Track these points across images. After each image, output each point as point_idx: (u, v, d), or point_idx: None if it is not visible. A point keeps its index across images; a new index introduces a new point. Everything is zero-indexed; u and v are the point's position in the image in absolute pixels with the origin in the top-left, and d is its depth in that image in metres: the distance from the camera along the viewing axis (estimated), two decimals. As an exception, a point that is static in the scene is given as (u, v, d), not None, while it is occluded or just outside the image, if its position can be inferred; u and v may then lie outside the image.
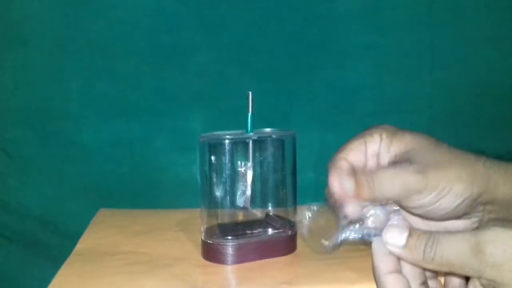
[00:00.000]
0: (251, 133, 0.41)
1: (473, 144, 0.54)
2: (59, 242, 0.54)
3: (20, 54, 0.52)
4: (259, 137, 0.41)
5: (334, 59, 0.53)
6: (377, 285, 0.31)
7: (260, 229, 0.41)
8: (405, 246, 0.29)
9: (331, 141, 0.56)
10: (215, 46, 0.52)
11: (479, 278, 0.28)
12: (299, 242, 0.42)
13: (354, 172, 0.33)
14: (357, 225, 0.32)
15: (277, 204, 0.43)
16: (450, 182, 0.31)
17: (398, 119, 0.56)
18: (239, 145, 0.41)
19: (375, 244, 0.30)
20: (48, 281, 0.36)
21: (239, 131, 0.42)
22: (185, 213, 0.50)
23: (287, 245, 0.41)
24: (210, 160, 0.40)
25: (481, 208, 0.33)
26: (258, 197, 0.42)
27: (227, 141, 0.39)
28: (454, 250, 0.28)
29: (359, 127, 0.60)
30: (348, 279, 0.36)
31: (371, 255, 0.31)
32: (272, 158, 0.42)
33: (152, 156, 0.54)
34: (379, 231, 0.31)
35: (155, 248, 0.42)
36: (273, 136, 0.42)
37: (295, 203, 0.43)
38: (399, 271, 0.30)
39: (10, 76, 0.52)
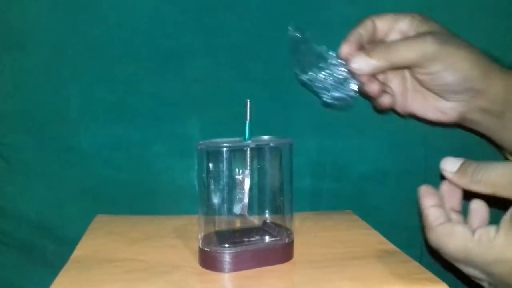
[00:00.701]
0: (249, 141, 0.41)
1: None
2: (56, 247, 0.53)
3: (18, 59, 0.51)
4: (256, 145, 0.41)
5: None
6: (421, 217, 0.39)
7: (257, 237, 0.41)
8: (457, 171, 0.37)
9: (328, 148, 0.56)
10: (214, 52, 0.53)
11: None
12: (296, 250, 0.42)
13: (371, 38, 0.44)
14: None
15: (274, 211, 0.43)
16: (458, 59, 0.41)
17: (395, 125, 0.56)
18: (237, 152, 0.41)
19: (423, 187, 0.39)
20: (44, 287, 0.36)
21: (237, 139, 0.42)
22: (182, 219, 0.50)
23: (284, 253, 0.41)
24: (208, 167, 0.40)
25: (472, 93, 0.42)
26: (255, 205, 0.43)
27: (225, 149, 0.39)
28: (499, 172, 0.35)
29: (356, 134, 0.60)
30: (345, 287, 0.36)
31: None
32: (270, 166, 0.42)
33: (150, 161, 0.54)
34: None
35: (152, 255, 0.42)
36: (271, 144, 0.42)
37: (291, 210, 0.43)
38: (437, 205, 0.38)
39: (8, 81, 0.52)
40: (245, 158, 0.41)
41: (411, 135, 0.56)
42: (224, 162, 0.39)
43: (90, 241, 0.45)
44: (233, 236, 0.41)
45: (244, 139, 0.42)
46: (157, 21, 0.52)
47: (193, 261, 0.41)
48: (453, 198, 0.40)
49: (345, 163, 0.56)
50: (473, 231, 0.37)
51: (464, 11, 0.54)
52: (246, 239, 0.41)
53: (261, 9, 0.53)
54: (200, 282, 0.38)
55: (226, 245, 0.39)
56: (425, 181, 0.57)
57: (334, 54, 0.44)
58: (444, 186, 0.41)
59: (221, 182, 0.40)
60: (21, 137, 0.53)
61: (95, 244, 0.44)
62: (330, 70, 0.43)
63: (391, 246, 0.44)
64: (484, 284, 0.39)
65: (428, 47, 0.41)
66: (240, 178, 0.41)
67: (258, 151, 0.42)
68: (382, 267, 0.40)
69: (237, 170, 0.41)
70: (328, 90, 0.44)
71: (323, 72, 0.43)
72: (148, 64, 0.52)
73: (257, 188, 0.42)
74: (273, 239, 0.41)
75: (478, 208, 0.39)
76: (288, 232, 0.42)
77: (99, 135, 0.53)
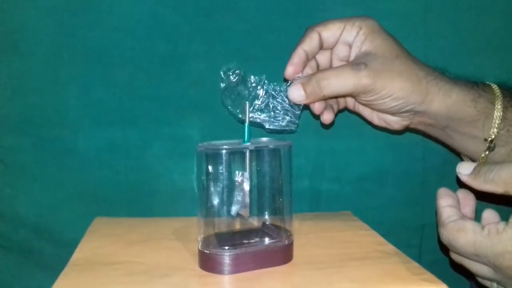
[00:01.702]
0: (248, 143, 0.41)
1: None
2: (54, 250, 0.53)
3: (16, 61, 0.51)
4: (256, 147, 0.41)
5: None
6: (437, 216, 0.41)
7: (257, 239, 0.41)
8: (471, 173, 0.39)
9: (327, 149, 0.56)
10: (212, 54, 0.53)
11: None
12: (296, 251, 0.42)
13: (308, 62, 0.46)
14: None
15: (274, 213, 0.43)
16: (393, 90, 0.43)
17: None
18: (236, 154, 0.41)
19: (441, 189, 0.41)
20: (43, 290, 0.36)
21: (236, 141, 0.42)
22: (181, 221, 0.50)
23: (283, 254, 0.41)
24: (207, 169, 0.40)
25: (413, 113, 0.45)
26: (255, 206, 0.43)
27: (224, 151, 0.39)
28: (510, 171, 0.37)
29: (354, 135, 0.61)
30: (345, 288, 0.36)
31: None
32: (269, 168, 0.42)
33: (148, 163, 0.54)
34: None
35: (152, 257, 0.42)
36: (270, 146, 0.42)
37: (291, 211, 0.43)
38: (452, 206, 0.40)
39: (6, 83, 0.52)
40: (244, 160, 0.41)
41: (409, 136, 0.56)
42: (224, 164, 0.39)
43: (89, 243, 0.45)
44: (232, 238, 0.41)
45: (243, 141, 0.42)
46: (155, 23, 0.52)
47: (193, 263, 0.41)
48: (467, 206, 0.42)
49: (343, 164, 0.56)
50: (482, 227, 0.38)
51: (461, 12, 0.54)
52: (246, 241, 0.41)
53: (258, 11, 0.53)
54: (200, 284, 0.38)
55: (226, 247, 0.39)
56: (423, 182, 0.57)
57: (272, 85, 0.46)
58: (459, 194, 0.42)
59: (220, 184, 0.40)
60: (19, 140, 0.52)
61: (94, 246, 0.44)
62: (273, 98, 0.45)
63: (390, 247, 0.44)
64: (493, 286, 0.40)
65: (360, 81, 0.42)
66: (239, 180, 0.41)
67: (257, 153, 0.42)
68: (381, 267, 0.40)
69: (236, 172, 0.41)
70: (276, 117, 0.45)
71: (270, 103, 0.45)
72: (146, 67, 0.52)
73: (257, 190, 0.42)
74: (272, 240, 0.41)
75: (490, 216, 0.40)
76: (288, 233, 0.42)
77: (97, 138, 0.53)
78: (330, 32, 0.45)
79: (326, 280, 0.38)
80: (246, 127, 0.42)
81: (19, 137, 0.52)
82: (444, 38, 0.54)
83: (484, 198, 0.42)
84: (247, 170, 0.41)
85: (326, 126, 0.50)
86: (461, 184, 0.41)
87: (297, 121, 0.46)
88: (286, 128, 0.46)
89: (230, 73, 0.44)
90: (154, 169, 0.54)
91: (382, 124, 0.49)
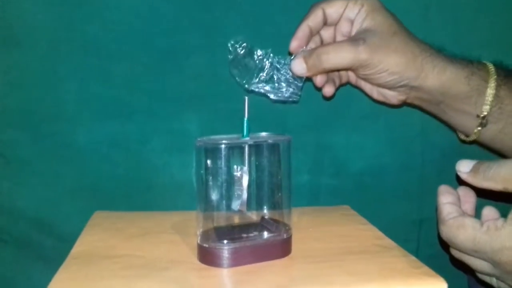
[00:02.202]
0: (247, 138, 0.41)
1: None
2: (54, 244, 0.54)
3: (14, 56, 0.51)
4: (255, 142, 0.41)
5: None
6: (437, 212, 0.41)
7: (255, 232, 0.41)
8: (470, 171, 0.40)
9: (326, 143, 0.56)
10: (211, 49, 0.53)
11: None
12: (294, 245, 0.42)
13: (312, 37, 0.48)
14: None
15: (273, 207, 0.43)
16: (388, 65, 0.45)
17: (392, 121, 0.56)
18: (235, 149, 0.41)
19: (442, 186, 0.42)
20: (43, 283, 0.36)
21: (235, 135, 0.42)
22: (180, 215, 0.50)
23: (282, 248, 0.41)
24: (206, 164, 0.40)
25: (409, 88, 0.47)
26: (254, 201, 0.43)
27: (223, 146, 0.39)
28: (508, 168, 0.38)
29: (354, 129, 0.61)
30: (343, 282, 0.37)
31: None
32: (268, 162, 0.42)
33: (148, 157, 0.54)
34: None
35: (151, 251, 0.42)
36: (269, 141, 0.42)
37: (290, 206, 0.43)
38: (452, 203, 0.40)
39: (4, 78, 0.52)
40: (243, 155, 0.41)
41: (408, 131, 0.56)
42: (222, 159, 0.39)
43: (89, 237, 0.45)
44: (231, 232, 0.41)
45: (242, 135, 0.42)
46: (154, 17, 0.52)
47: (192, 256, 0.41)
48: (467, 203, 0.43)
49: (342, 159, 0.56)
50: (481, 224, 0.39)
51: (461, 7, 0.54)
52: (245, 235, 0.41)
53: (258, 5, 0.52)
54: (199, 277, 0.38)
55: (225, 241, 0.39)
56: (422, 176, 0.58)
57: (277, 58, 0.48)
58: (460, 191, 0.43)
59: (219, 178, 0.40)
60: (18, 134, 0.52)
61: (94, 240, 0.44)
62: (277, 70, 0.48)
63: (388, 241, 0.45)
64: (493, 281, 0.41)
65: (358, 55, 0.44)
66: (238, 175, 0.41)
67: (256, 147, 0.42)
68: (380, 261, 0.40)
69: (235, 166, 0.41)
70: (279, 89, 0.48)
71: (274, 75, 0.48)
72: (145, 61, 0.52)
73: (256, 184, 0.42)
74: (271, 234, 0.41)
75: (489, 212, 0.41)
76: (286, 227, 0.42)
77: (96, 132, 0.53)
78: (333, 8, 0.47)
79: (324, 273, 0.38)
80: (245, 122, 0.42)
81: (18, 131, 0.52)
82: (445, 34, 0.54)
83: (483, 195, 0.42)
84: (246, 164, 0.41)
85: (327, 99, 0.52)
86: (461, 182, 0.41)
87: (299, 93, 0.49)
88: (289, 99, 0.49)
89: (238, 46, 0.46)
90: (153, 164, 0.54)
91: (381, 98, 0.50)
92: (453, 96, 0.47)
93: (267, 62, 0.47)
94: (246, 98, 0.42)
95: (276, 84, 0.48)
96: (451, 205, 0.41)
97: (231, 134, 0.42)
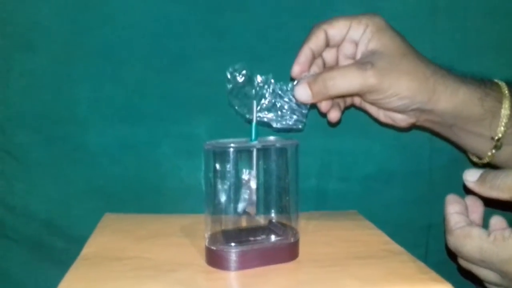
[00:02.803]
0: (255, 142, 0.42)
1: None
2: (64, 245, 0.54)
3: (28, 59, 0.52)
4: (263, 146, 0.42)
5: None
6: (444, 222, 0.41)
7: (263, 236, 0.42)
8: (477, 180, 0.39)
9: (333, 148, 0.56)
10: (220, 53, 0.53)
11: None
12: (302, 249, 0.42)
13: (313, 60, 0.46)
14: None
15: (280, 211, 0.44)
16: (399, 89, 0.42)
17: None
18: (243, 153, 0.41)
19: (450, 195, 0.42)
20: (54, 283, 0.36)
21: (243, 139, 0.42)
22: (189, 218, 0.51)
23: (289, 252, 0.41)
24: (214, 167, 0.41)
25: (419, 111, 0.45)
26: (262, 204, 0.43)
27: (231, 150, 0.40)
28: None
29: (361, 134, 0.61)
30: (350, 287, 0.37)
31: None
32: (276, 166, 0.43)
33: (157, 161, 0.55)
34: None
35: (159, 253, 0.42)
36: (277, 145, 0.42)
37: (297, 210, 0.43)
38: (460, 212, 0.40)
39: (18, 81, 0.53)
40: (251, 159, 0.42)
41: (416, 136, 0.56)
42: (231, 163, 0.40)
43: (99, 239, 0.45)
44: (239, 235, 0.41)
45: (251, 139, 0.42)
46: (165, 22, 0.52)
47: (200, 259, 0.41)
48: (475, 213, 0.42)
49: (350, 163, 0.56)
50: (489, 234, 0.38)
51: (470, 11, 0.54)
52: (252, 238, 0.41)
53: (267, 10, 0.53)
54: (207, 280, 0.38)
55: (233, 244, 0.40)
56: (430, 182, 0.57)
57: (279, 84, 0.46)
58: (467, 201, 0.42)
59: (227, 182, 0.40)
60: (31, 136, 0.53)
61: (104, 242, 0.45)
62: (280, 97, 0.46)
63: (396, 246, 0.45)
64: None
65: (366, 80, 0.42)
66: (246, 178, 0.41)
67: (264, 151, 0.42)
68: (387, 266, 0.40)
69: (243, 170, 0.41)
70: (283, 117, 0.46)
71: (277, 102, 0.46)
72: (155, 65, 0.53)
73: (263, 188, 0.43)
74: (278, 238, 0.42)
75: (497, 222, 0.40)
76: (294, 231, 0.42)
77: (107, 135, 0.54)
78: (336, 30, 0.45)
79: (331, 278, 0.38)
80: (253, 126, 0.42)
81: (31, 133, 0.53)
82: (453, 38, 0.54)
83: (491, 204, 0.42)
84: (254, 168, 0.41)
85: (333, 124, 0.50)
86: (468, 191, 0.41)
87: (304, 120, 0.46)
88: (294, 126, 0.46)
89: (237, 74, 0.44)
90: (162, 167, 0.55)
91: (389, 121, 0.49)
92: (466, 118, 0.45)
93: (268, 89, 0.45)
94: (254, 102, 0.42)
95: (279, 112, 0.45)
96: (459, 214, 0.40)
97: (240, 138, 0.43)
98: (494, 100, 0.45)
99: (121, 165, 0.54)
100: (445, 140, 0.52)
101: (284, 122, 0.46)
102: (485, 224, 0.42)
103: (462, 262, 0.41)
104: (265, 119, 0.46)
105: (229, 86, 0.44)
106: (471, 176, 0.40)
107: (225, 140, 0.41)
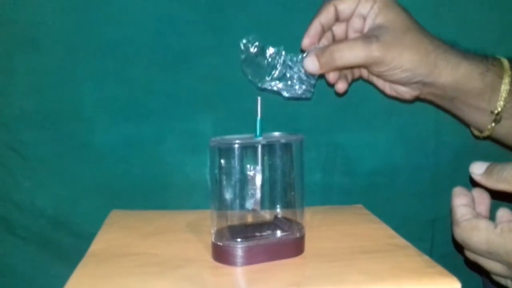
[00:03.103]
0: (260, 138, 0.42)
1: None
2: (72, 242, 0.55)
3: (33, 58, 0.52)
4: (268, 141, 0.42)
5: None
6: (451, 214, 0.42)
7: (269, 231, 0.42)
8: (483, 173, 0.40)
9: (338, 142, 0.56)
10: (224, 49, 0.53)
11: None
12: (307, 244, 0.42)
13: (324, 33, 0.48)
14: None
15: (286, 206, 0.44)
16: (402, 62, 0.44)
17: (405, 120, 0.56)
18: (249, 149, 0.42)
19: (457, 188, 0.42)
20: (62, 279, 0.37)
21: (249, 135, 0.43)
22: (195, 214, 0.51)
23: (295, 247, 0.42)
24: (220, 163, 0.41)
25: (422, 84, 0.47)
26: (267, 200, 0.43)
27: (236, 146, 0.40)
28: None
29: (366, 128, 0.61)
30: (356, 281, 0.37)
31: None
32: (281, 162, 0.43)
33: (163, 157, 0.55)
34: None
35: (166, 249, 0.43)
36: (282, 141, 0.42)
37: (302, 205, 0.43)
38: (466, 204, 0.41)
39: (23, 79, 0.53)
40: (256, 154, 0.42)
41: (421, 129, 0.56)
42: (236, 159, 0.40)
43: (106, 235, 0.46)
44: (245, 231, 0.42)
45: (256, 135, 0.42)
46: (168, 19, 0.52)
47: (206, 255, 0.41)
48: (482, 205, 0.42)
49: (355, 158, 0.57)
50: (495, 225, 0.38)
51: (473, 7, 0.54)
52: (258, 234, 0.41)
53: (270, 6, 0.53)
54: (213, 275, 0.39)
55: (239, 240, 0.40)
56: (435, 175, 0.57)
57: (289, 56, 0.48)
58: (474, 193, 0.43)
59: (233, 178, 0.41)
60: (37, 134, 0.54)
61: (111, 238, 0.45)
62: (290, 68, 0.48)
63: (401, 240, 0.45)
64: (508, 283, 0.40)
65: (371, 53, 0.44)
66: (251, 174, 0.41)
67: (269, 147, 0.42)
68: (392, 260, 0.40)
69: (248, 166, 0.41)
70: (292, 86, 0.48)
71: (287, 72, 0.48)
72: (160, 62, 0.53)
73: (269, 184, 0.43)
74: (284, 233, 0.42)
75: (504, 214, 0.40)
76: (299, 226, 0.42)
77: (113, 132, 0.54)
78: (345, 5, 0.47)
79: (337, 272, 0.38)
80: (258, 122, 0.42)
81: (37, 131, 0.54)
82: (456, 33, 0.53)
83: (498, 196, 0.42)
84: (259, 164, 0.42)
85: (340, 95, 0.52)
86: (474, 183, 0.41)
87: (312, 90, 0.49)
88: (302, 96, 0.49)
89: (250, 45, 0.46)
90: (168, 163, 0.55)
91: (394, 94, 0.50)
92: (467, 92, 0.46)
93: (279, 60, 0.48)
94: (259, 98, 0.42)
95: (289, 82, 0.48)
96: (465, 207, 0.40)
97: (245, 134, 0.43)
98: (494, 75, 0.46)
99: (127, 162, 0.55)
100: (449, 113, 0.53)
101: (293, 92, 0.48)
102: (492, 217, 0.42)
103: (469, 254, 0.41)
104: (276, 88, 0.48)
105: (243, 56, 0.47)
106: (477, 169, 0.40)
107: (230, 136, 0.41)
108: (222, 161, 0.41)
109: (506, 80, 0.46)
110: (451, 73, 0.45)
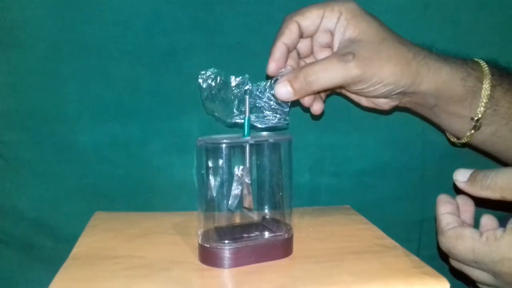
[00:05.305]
0: (248, 137, 0.41)
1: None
2: (54, 245, 0.54)
3: (15, 57, 0.51)
4: (256, 141, 0.41)
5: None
6: (436, 223, 0.41)
7: (257, 232, 0.41)
8: (467, 180, 0.40)
9: (326, 144, 0.56)
10: (211, 49, 0.53)
11: None
12: (296, 245, 0.42)
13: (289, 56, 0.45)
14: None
15: (274, 207, 0.43)
16: (383, 76, 0.41)
17: (393, 120, 0.56)
18: (236, 149, 0.41)
19: (441, 196, 0.42)
20: (44, 284, 0.36)
21: (236, 135, 0.42)
22: (181, 216, 0.50)
23: (283, 248, 0.41)
24: (207, 163, 0.40)
25: (402, 94, 0.44)
26: (255, 200, 0.43)
27: (224, 145, 0.39)
28: (505, 177, 0.38)
29: (355, 129, 0.61)
30: (344, 282, 0.37)
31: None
32: (269, 162, 0.42)
33: (148, 158, 0.54)
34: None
35: (152, 251, 0.42)
36: (270, 140, 0.42)
37: (291, 205, 0.43)
38: (451, 213, 0.40)
39: (5, 79, 0.52)
40: (244, 154, 0.41)
41: (409, 130, 0.56)
42: (223, 158, 0.39)
43: (89, 238, 0.45)
44: (232, 232, 0.41)
45: (243, 135, 0.42)
46: (155, 18, 0.52)
47: (193, 257, 0.41)
48: (466, 212, 0.42)
49: (343, 159, 0.56)
50: (480, 234, 0.38)
51: (462, 6, 0.54)
52: (246, 235, 0.41)
53: (258, 4, 0.52)
54: (200, 278, 0.38)
55: (226, 241, 0.39)
56: (423, 176, 0.57)
57: (256, 85, 0.43)
58: (459, 200, 0.42)
59: (220, 178, 0.40)
60: (19, 135, 0.52)
61: (94, 241, 0.44)
62: (259, 98, 0.44)
63: (389, 241, 0.45)
64: None
65: (349, 72, 0.40)
66: (239, 174, 0.41)
67: (257, 147, 0.42)
68: (381, 261, 0.40)
69: (236, 166, 0.41)
70: (265, 117, 0.44)
71: (257, 103, 0.44)
72: (145, 61, 0.52)
73: (256, 184, 0.42)
74: (272, 234, 0.41)
75: (488, 221, 0.40)
76: (288, 227, 0.42)
77: (97, 133, 0.53)
78: (309, 20, 0.43)
79: (326, 273, 0.38)
80: (246, 120, 0.42)
81: (19, 132, 0.52)
82: (445, 33, 0.54)
83: (482, 203, 0.42)
84: (247, 164, 0.41)
85: (317, 117, 0.49)
86: (458, 191, 0.41)
87: (287, 118, 0.45)
88: (278, 124, 0.45)
89: (210, 79, 0.42)
90: (154, 164, 0.54)
91: (371, 105, 0.48)
92: (448, 99, 0.45)
93: (245, 89, 0.42)
94: (247, 97, 0.42)
95: (261, 113, 0.43)
96: (450, 215, 0.40)
97: (232, 134, 0.42)
98: (475, 80, 0.44)
99: (111, 163, 0.54)
100: (426, 121, 0.52)
101: (267, 122, 0.44)
102: (476, 224, 0.42)
103: (454, 263, 0.41)
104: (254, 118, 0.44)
105: (204, 93, 0.42)
106: (461, 176, 0.40)
107: (218, 136, 0.41)
108: (209, 161, 0.40)
109: (486, 85, 0.44)
110: (433, 79, 0.43)
